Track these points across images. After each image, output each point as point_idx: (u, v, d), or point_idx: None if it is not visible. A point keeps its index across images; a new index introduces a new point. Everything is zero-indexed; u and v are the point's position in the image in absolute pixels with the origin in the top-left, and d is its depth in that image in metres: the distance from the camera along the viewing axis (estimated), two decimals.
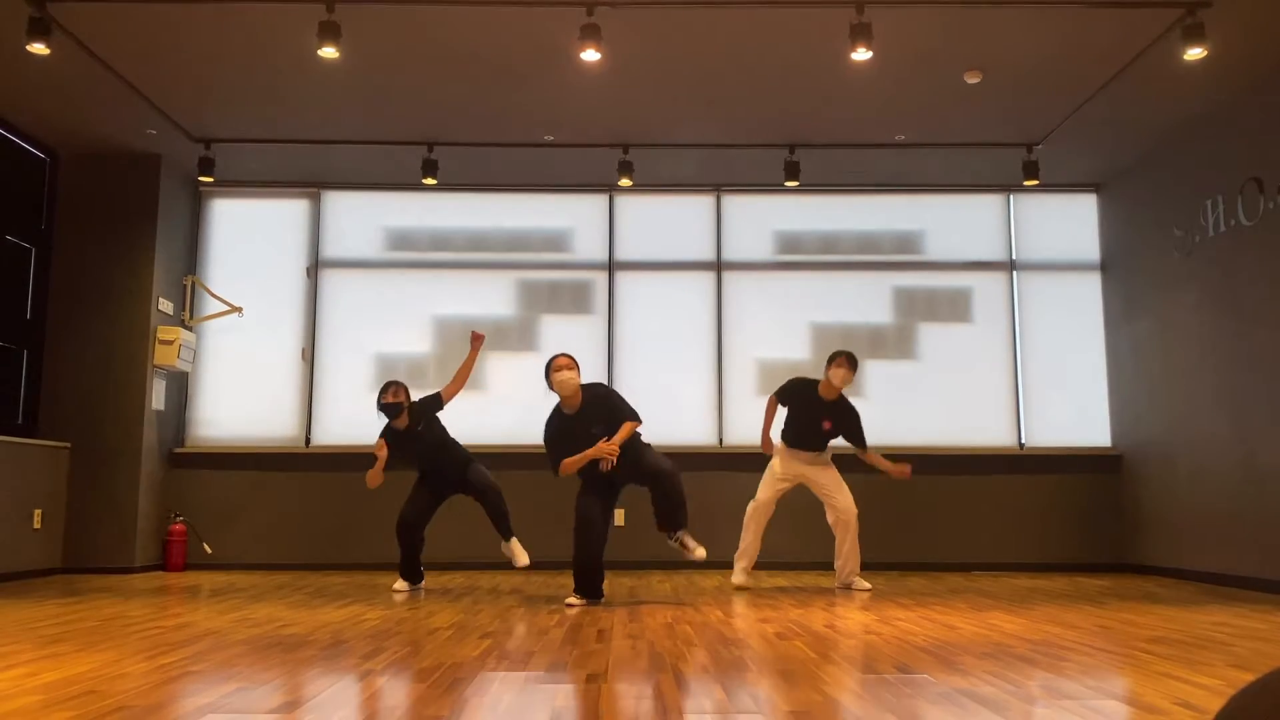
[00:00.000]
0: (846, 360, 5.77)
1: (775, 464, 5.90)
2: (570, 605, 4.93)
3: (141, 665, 3.16)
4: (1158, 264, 6.88)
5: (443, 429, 5.80)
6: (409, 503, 5.70)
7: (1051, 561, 7.29)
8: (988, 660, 3.32)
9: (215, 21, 5.18)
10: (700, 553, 5.14)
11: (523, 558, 5.73)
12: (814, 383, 5.85)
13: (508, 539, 5.80)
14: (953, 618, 4.47)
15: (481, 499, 5.76)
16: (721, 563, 7.17)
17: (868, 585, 5.82)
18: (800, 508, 6.90)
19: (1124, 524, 7.31)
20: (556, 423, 5.11)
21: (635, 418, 5.11)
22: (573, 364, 5.10)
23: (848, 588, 5.82)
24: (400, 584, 5.75)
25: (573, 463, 4.98)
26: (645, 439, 5.32)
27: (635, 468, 5.07)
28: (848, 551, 5.80)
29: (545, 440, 5.10)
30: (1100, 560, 7.30)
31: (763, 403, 7.25)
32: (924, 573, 7.02)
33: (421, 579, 5.83)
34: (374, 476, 5.54)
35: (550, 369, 5.07)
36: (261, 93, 6.07)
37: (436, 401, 5.71)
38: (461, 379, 5.75)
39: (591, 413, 5.08)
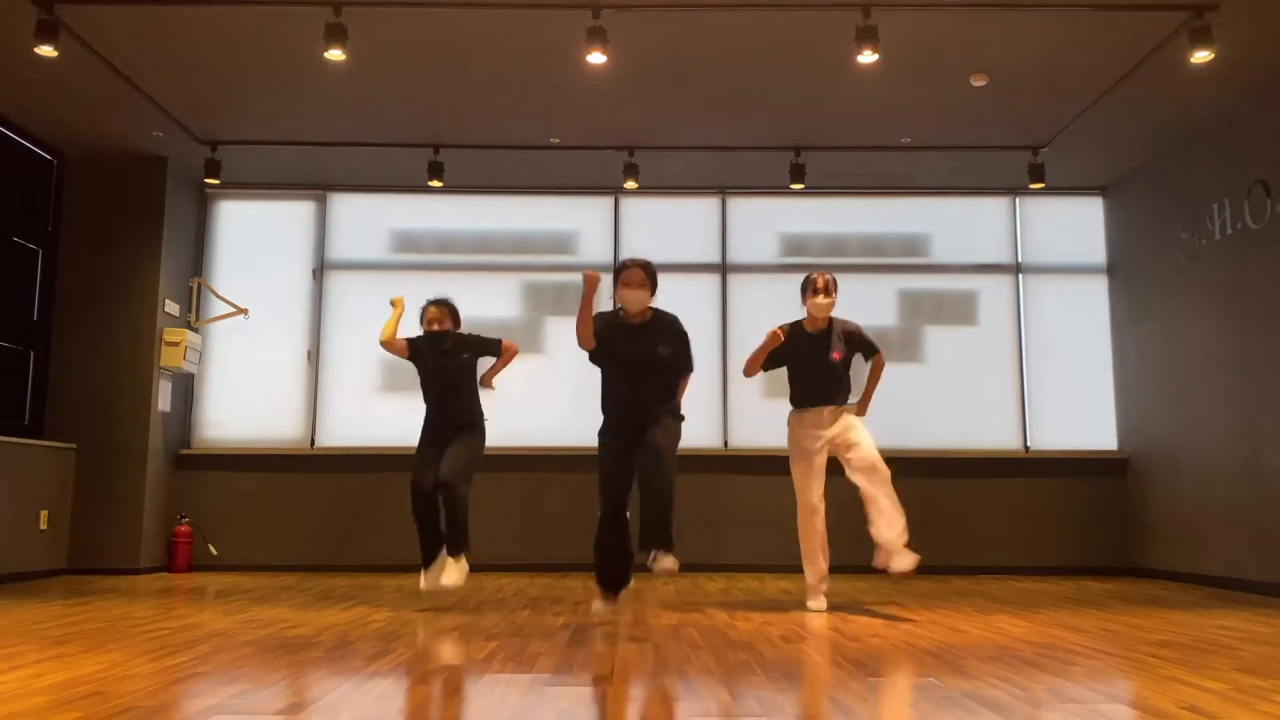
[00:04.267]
0: (825, 284, 4.84)
1: (799, 438, 4.90)
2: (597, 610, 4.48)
3: (148, 666, 3.16)
4: (1164, 267, 6.86)
5: (475, 368, 5.11)
6: (417, 465, 4.92)
7: (1057, 565, 7.26)
8: (993, 664, 3.31)
9: (222, 24, 5.20)
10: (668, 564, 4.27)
11: (453, 576, 4.79)
12: (796, 323, 4.97)
13: (455, 555, 4.82)
14: (958, 621, 4.46)
15: (442, 489, 4.79)
16: (723, 565, 7.17)
17: (914, 557, 4.61)
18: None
19: (1130, 527, 7.29)
20: (613, 318, 4.56)
21: (692, 369, 4.63)
22: (645, 282, 4.45)
23: (887, 568, 4.64)
24: (425, 579, 4.90)
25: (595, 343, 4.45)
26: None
27: (643, 435, 4.39)
28: (887, 508, 4.64)
29: (595, 327, 4.51)
30: (1106, 564, 7.28)
31: (767, 405, 7.24)
32: (929, 576, 7.00)
33: (441, 552, 4.89)
34: (389, 329, 5.14)
35: (619, 279, 4.43)
36: (268, 95, 6.09)
37: (494, 346, 5.12)
38: (509, 358, 5.14)
39: (658, 332, 4.54)
